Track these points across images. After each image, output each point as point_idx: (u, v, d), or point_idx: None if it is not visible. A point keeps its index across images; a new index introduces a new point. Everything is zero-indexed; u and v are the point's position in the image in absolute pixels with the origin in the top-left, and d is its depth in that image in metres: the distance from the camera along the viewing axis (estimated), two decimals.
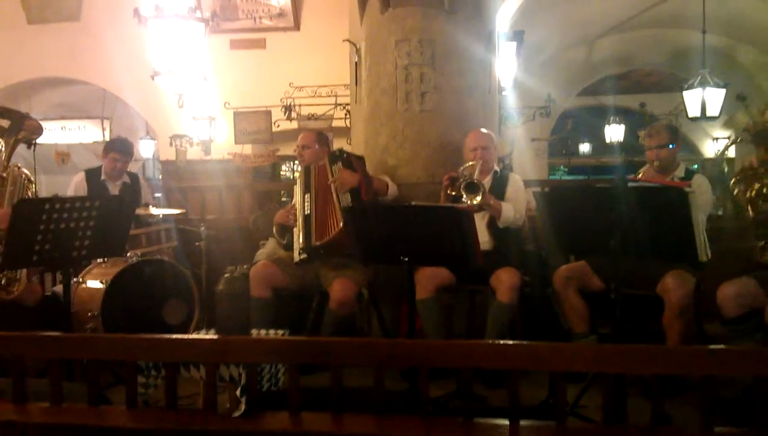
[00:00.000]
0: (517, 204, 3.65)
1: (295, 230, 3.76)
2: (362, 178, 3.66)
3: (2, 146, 3.67)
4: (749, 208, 3.26)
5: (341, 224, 3.48)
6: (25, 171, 3.83)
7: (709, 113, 7.49)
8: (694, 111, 7.60)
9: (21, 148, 3.88)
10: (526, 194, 3.92)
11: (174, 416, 2.41)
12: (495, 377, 3.30)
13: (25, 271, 3.46)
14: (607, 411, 2.26)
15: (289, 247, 3.83)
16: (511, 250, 3.64)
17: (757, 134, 3.34)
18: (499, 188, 3.70)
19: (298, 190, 3.84)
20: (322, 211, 3.67)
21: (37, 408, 2.51)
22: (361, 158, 3.89)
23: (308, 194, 3.75)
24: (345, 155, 3.77)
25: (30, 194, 3.71)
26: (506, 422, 2.22)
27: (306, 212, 3.71)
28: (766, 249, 3.17)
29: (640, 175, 3.65)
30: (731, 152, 10.50)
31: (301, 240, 3.68)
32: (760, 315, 2.88)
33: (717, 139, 12.17)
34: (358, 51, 4.40)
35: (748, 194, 3.26)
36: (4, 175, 3.65)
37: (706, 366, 2.08)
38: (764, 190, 3.21)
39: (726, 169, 9.59)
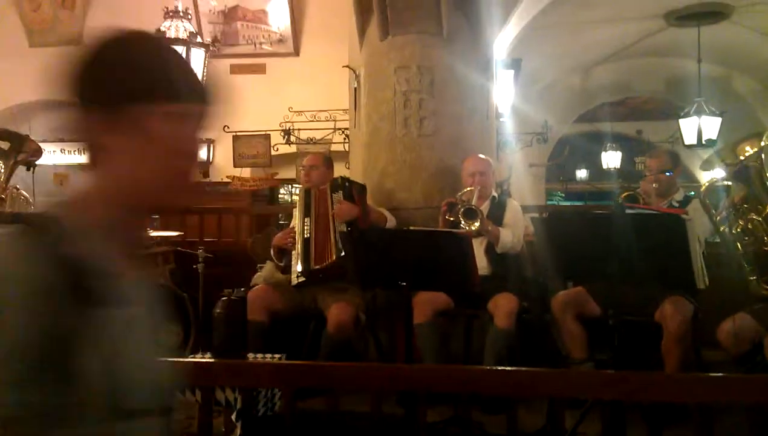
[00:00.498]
0: (516, 230, 3.66)
1: (293, 252, 3.76)
2: (360, 211, 3.68)
3: (2, 168, 3.68)
4: (737, 245, 3.27)
5: (340, 250, 3.50)
6: (24, 193, 3.85)
7: (704, 141, 7.55)
8: (690, 139, 7.65)
9: (20, 170, 3.90)
10: (525, 220, 3.93)
11: None
12: (493, 403, 3.28)
13: None
14: None
15: (286, 270, 3.83)
16: (510, 275, 3.64)
17: (735, 173, 3.36)
18: (497, 213, 3.71)
19: (297, 213, 3.85)
20: (322, 236, 3.68)
21: None
22: (363, 188, 3.90)
23: (308, 218, 3.76)
24: (347, 184, 3.78)
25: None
26: None
27: (305, 236, 3.71)
28: (759, 282, 3.18)
29: (637, 197, 3.67)
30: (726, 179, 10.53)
31: (299, 263, 3.68)
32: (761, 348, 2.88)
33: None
34: (357, 77, 4.44)
35: (734, 231, 3.28)
36: (3, 196, 3.66)
37: (704, 393, 2.07)
38: (749, 226, 3.22)
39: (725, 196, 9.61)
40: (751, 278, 3.19)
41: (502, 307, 3.35)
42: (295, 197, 11.17)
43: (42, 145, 4.16)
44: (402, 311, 3.03)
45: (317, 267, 3.62)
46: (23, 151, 3.86)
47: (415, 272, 2.86)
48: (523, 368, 2.44)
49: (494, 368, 2.78)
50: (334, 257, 3.58)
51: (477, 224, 3.48)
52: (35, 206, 3.89)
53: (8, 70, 8.67)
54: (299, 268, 3.68)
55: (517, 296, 3.43)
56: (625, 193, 3.79)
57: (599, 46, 8.61)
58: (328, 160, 4.06)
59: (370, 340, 3.85)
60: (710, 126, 7.48)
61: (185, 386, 2.61)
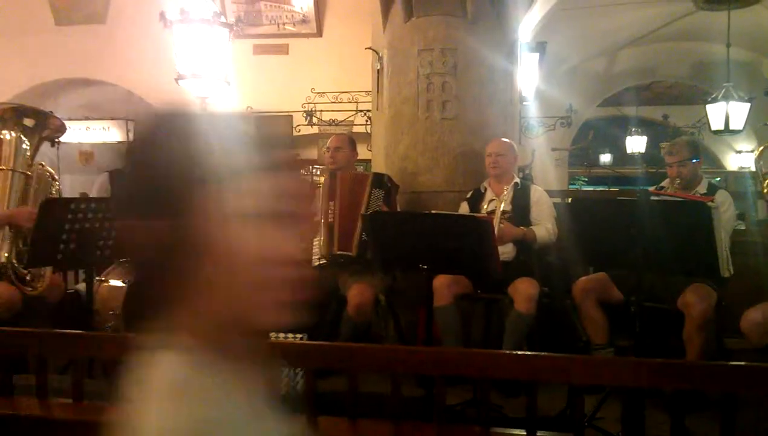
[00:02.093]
0: (547, 223, 3.64)
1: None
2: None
3: (27, 145, 3.73)
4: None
5: (364, 242, 3.51)
6: (49, 169, 3.89)
7: (732, 127, 7.42)
8: (717, 124, 7.53)
9: (45, 147, 3.95)
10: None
11: None
12: (512, 386, 3.29)
13: (49, 268, 3.51)
14: (625, 424, 2.25)
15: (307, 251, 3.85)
16: (532, 260, 3.63)
17: None
18: (521, 199, 3.70)
19: (321, 195, 3.85)
20: (349, 225, 3.68)
21: (58, 404, 2.55)
22: (397, 189, 3.91)
23: (332, 202, 3.75)
24: (389, 185, 3.78)
25: (54, 192, 3.77)
26: (523, 432, 2.22)
27: (330, 220, 3.71)
28: None
29: (663, 189, 3.63)
30: (752, 165, 10.36)
31: (322, 245, 3.70)
32: None
33: (740, 152, 12.04)
34: (380, 59, 4.43)
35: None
36: (29, 173, 3.71)
37: (726, 382, 2.06)
38: None
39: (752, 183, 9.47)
40: None
41: (523, 291, 3.35)
42: (317, 178, 11.20)
43: (67, 122, 4.20)
44: (422, 294, 3.04)
45: (339, 252, 3.64)
46: (47, 127, 3.90)
47: (435, 255, 2.86)
48: (543, 353, 2.44)
49: (513, 352, 2.78)
50: (355, 250, 3.59)
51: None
52: (60, 183, 3.94)
53: (34, 48, 8.75)
54: (322, 253, 3.70)
55: (539, 281, 3.43)
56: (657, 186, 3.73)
57: (625, 29, 8.47)
58: (352, 141, 4.05)
59: (390, 322, 3.87)
60: (738, 112, 7.35)
61: None
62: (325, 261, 3.68)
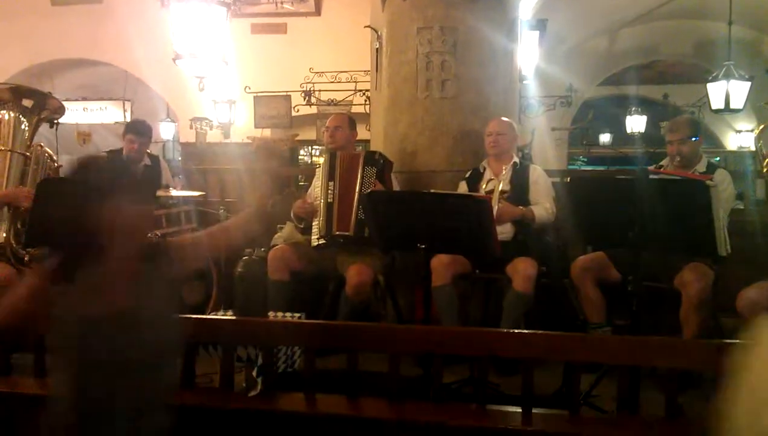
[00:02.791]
0: (546, 202, 3.63)
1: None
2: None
3: (26, 126, 3.72)
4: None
5: (362, 221, 3.51)
6: (48, 150, 3.89)
7: (732, 106, 7.39)
8: (717, 103, 7.50)
9: (44, 128, 3.94)
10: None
11: (191, 394, 2.45)
12: (509, 364, 3.30)
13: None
14: (621, 402, 2.27)
15: (306, 231, 3.85)
16: (531, 239, 3.63)
17: None
18: (520, 179, 3.69)
19: (320, 175, 3.84)
20: (346, 206, 3.67)
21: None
22: (391, 166, 3.88)
23: (332, 182, 3.73)
24: (381, 161, 3.75)
25: (53, 172, 3.77)
26: (519, 409, 2.24)
27: (329, 200, 3.71)
28: None
29: (662, 168, 3.63)
30: (752, 145, 10.35)
31: (321, 226, 3.70)
32: None
33: (740, 131, 12.01)
34: (379, 37, 4.39)
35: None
36: (28, 153, 3.70)
37: (720, 360, 2.07)
38: None
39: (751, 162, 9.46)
40: None
41: (521, 271, 3.35)
42: (316, 159, 11.15)
43: (65, 103, 4.19)
44: (420, 274, 3.05)
45: (338, 233, 3.64)
46: (46, 108, 3.89)
47: (433, 235, 2.87)
48: (540, 332, 2.45)
49: (511, 330, 2.79)
50: (353, 230, 3.59)
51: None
52: (59, 163, 3.94)
53: (31, 29, 8.70)
54: (321, 233, 3.70)
55: (537, 260, 3.43)
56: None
57: (627, 8, 8.41)
58: (352, 120, 4.02)
59: (389, 302, 3.88)
60: (738, 91, 7.31)
61: (208, 342, 2.66)
62: (324, 241, 3.69)
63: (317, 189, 3.83)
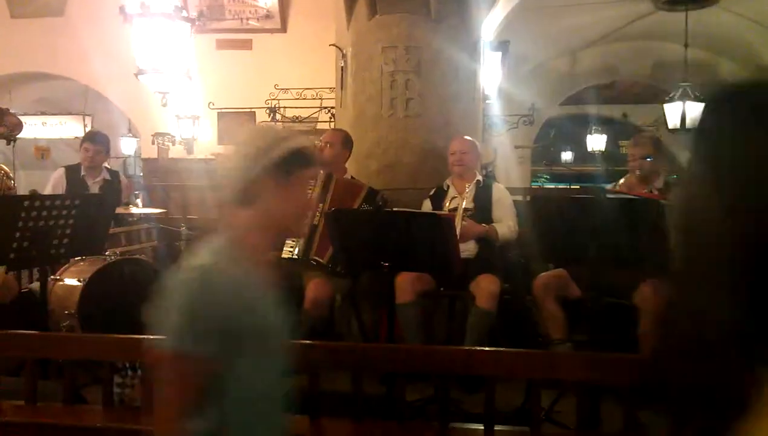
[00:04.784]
0: (509, 220, 3.66)
1: None
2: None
3: None
4: None
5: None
6: (4, 167, 3.81)
7: (688, 126, 7.61)
8: (674, 123, 7.72)
9: (0, 144, 3.85)
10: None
11: (150, 417, 2.40)
12: (472, 382, 3.32)
13: (2, 268, 3.43)
14: (581, 418, 2.30)
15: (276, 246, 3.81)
16: (494, 257, 3.66)
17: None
18: (483, 197, 3.72)
19: (312, 191, 3.72)
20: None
21: (11, 406, 2.49)
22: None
23: (322, 204, 3.64)
24: (380, 204, 3.65)
25: (9, 191, 3.69)
26: (482, 427, 2.25)
27: (314, 221, 3.61)
28: None
29: (619, 184, 3.70)
30: None
31: (298, 245, 3.63)
32: None
33: None
34: (344, 56, 4.41)
35: None
36: None
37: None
38: None
39: None
40: None
41: (485, 288, 3.38)
42: None
43: (23, 117, 4.11)
44: (384, 292, 3.05)
45: (315, 258, 3.59)
46: (3, 124, 3.80)
47: (397, 253, 2.87)
48: (503, 349, 2.47)
49: (475, 348, 2.81)
50: (327, 260, 3.54)
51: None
52: (14, 180, 3.85)
53: None
54: (296, 250, 3.62)
55: (500, 278, 3.46)
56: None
57: (587, 29, 8.61)
58: (347, 140, 3.93)
59: (353, 319, 3.87)
60: (694, 111, 7.53)
61: None
62: (296, 257, 3.63)
63: None
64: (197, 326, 1.30)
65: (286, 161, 1.45)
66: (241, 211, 1.45)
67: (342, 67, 4.48)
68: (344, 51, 4.41)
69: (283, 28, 8.68)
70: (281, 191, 1.45)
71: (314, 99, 7.61)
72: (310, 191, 3.67)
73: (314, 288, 3.46)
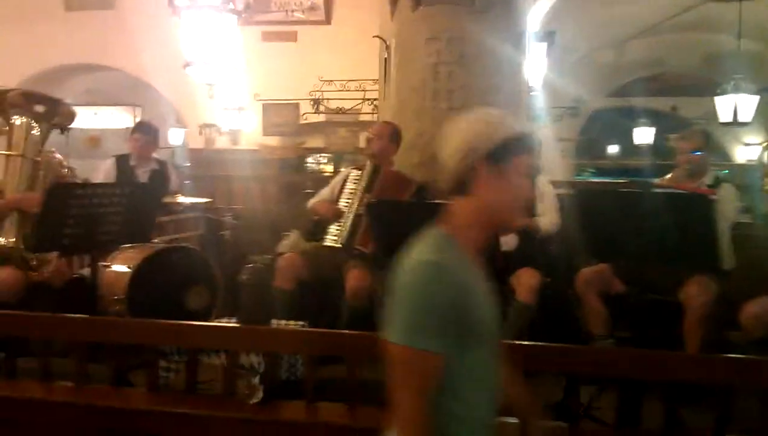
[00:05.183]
0: (551, 214, 3.65)
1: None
2: None
3: (37, 131, 3.75)
4: None
5: None
6: (58, 155, 3.92)
7: (740, 119, 7.38)
8: (725, 116, 7.49)
9: (54, 133, 3.97)
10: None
11: (193, 400, 2.47)
12: None
13: (55, 253, 3.54)
14: (621, 415, 2.27)
15: (313, 237, 3.85)
16: (535, 250, 3.64)
17: None
18: None
19: (359, 183, 3.78)
20: None
21: (61, 387, 2.58)
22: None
23: (368, 194, 3.69)
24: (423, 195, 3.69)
25: (63, 179, 3.80)
26: (517, 421, 2.24)
27: (359, 212, 3.66)
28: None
29: (667, 179, 3.63)
30: (765, 158, 10.33)
31: (344, 233, 3.66)
32: None
33: (748, 145, 11.97)
34: (387, 47, 4.42)
35: None
36: (38, 159, 3.73)
37: (723, 375, 2.07)
38: None
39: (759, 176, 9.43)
40: None
41: (525, 282, 3.36)
42: (323, 165, 11.15)
43: (75, 108, 4.23)
44: None
45: (358, 247, 3.63)
46: (58, 114, 3.92)
47: None
48: (542, 343, 2.46)
49: (514, 341, 2.79)
50: (371, 248, 3.57)
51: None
52: (68, 169, 3.96)
53: (44, 34, 8.77)
54: (341, 239, 3.66)
55: (541, 271, 3.43)
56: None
57: (635, 20, 8.42)
58: (396, 133, 3.93)
59: None
60: (747, 105, 7.30)
61: (212, 348, 2.68)
62: (339, 245, 3.67)
63: (349, 194, 3.80)
64: (429, 322, 1.29)
65: (502, 149, 1.39)
66: (458, 201, 1.45)
67: (385, 58, 4.49)
68: (388, 43, 4.42)
69: (328, 20, 8.71)
70: (496, 180, 1.40)
71: (357, 91, 7.64)
72: (355, 184, 3.76)
73: (354, 277, 3.49)
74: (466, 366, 1.36)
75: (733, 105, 7.33)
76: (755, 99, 7.32)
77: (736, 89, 7.28)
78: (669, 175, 3.71)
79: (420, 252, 1.39)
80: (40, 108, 3.80)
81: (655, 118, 12.08)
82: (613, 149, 14.35)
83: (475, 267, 1.45)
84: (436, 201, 3.58)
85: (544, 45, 6.41)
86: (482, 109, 1.47)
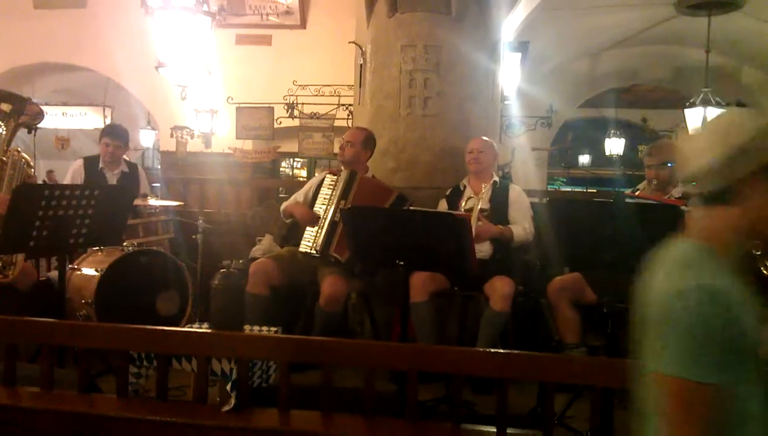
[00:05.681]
0: (525, 222, 3.65)
1: (314, 227, 3.69)
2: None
3: (3, 130, 3.67)
4: None
5: None
6: (25, 155, 3.83)
7: None
8: (694, 128, 7.64)
9: (21, 132, 3.89)
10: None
11: (164, 407, 2.42)
12: (484, 383, 3.31)
13: (21, 255, 3.46)
14: (594, 423, 2.28)
15: (286, 243, 3.82)
16: (509, 258, 3.65)
17: None
18: (499, 198, 3.71)
19: (334, 190, 3.74)
20: None
21: (27, 393, 2.52)
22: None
23: (344, 201, 3.64)
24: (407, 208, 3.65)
25: (29, 179, 3.71)
26: (493, 429, 2.24)
27: (335, 218, 3.61)
28: (761, 259, 3.16)
29: (638, 192, 3.67)
30: None
31: (319, 240, 3.62)
32: None
33: None
34: (363, 53, 4.42)
35: None
36: (4, 158, 3.65)
37: None
38: None
39: None
40: (756, 253, 3.17)
41: (499, 290, 3.37)
42: (297, 170, 11.07)
43: (44, 107, 4.14)
44: (399, 290, 3.05)
45: (333, 255, 3.59)
46: (25, 113, 3.83)
47: (413, 252, 2.87)
48: (516, 351, 2.46)
49: (487, 349, 2.80)
50: (345, 258, 3.53)
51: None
52: (35, 169, 3.88)
53: (12, 32, 8.61)
54: (316, 246, 3.61)
55: (515, 280, 3.45)
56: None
57: (608, 32, 8.54)
58: (369, 139, 3.90)
59: (366, 317, 3.87)
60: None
61: (183, 354, 2.63)
62: (313, 252, 3.62)
63: (324, 199, 3.75)
64: (711, 352, 1.18)
65: None
66: (714, 212, 1.31)
67: (361, 64, 4.48)
68: (363, 48, 4.41)
69: (303, 25, 8.70)
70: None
71: (332, 96, 7.61)
72: (330, 190, 3.74)
73: (329, 284, 3.47)
74: (748, 396, 1.23)
75: (702, 117, 7.48)
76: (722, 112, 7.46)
77: (705, 102, 7.44)
78: (640, 187, 3.76)
79: (691, 274, 1.24)
80: (6, 106, 3.71)
81: (626, 129, 12.27)
82: (584, 159, 14.54)
83: (742, 281, 1.29)
84: (413, 208, 3.60)
85: (518, 55, 6.48)
86: (738, 110, 1.40)
